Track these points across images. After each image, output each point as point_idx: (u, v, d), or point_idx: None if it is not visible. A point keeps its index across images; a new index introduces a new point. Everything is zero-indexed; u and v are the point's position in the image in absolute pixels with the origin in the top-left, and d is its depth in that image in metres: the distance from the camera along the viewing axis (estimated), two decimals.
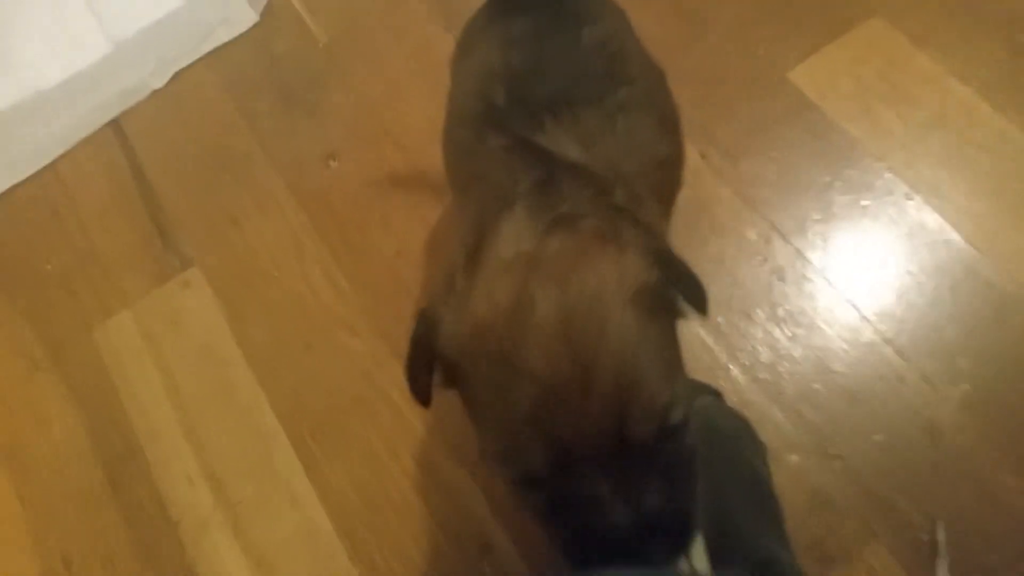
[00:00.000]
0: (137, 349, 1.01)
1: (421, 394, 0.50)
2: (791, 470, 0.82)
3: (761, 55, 1.03)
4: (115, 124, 1.18)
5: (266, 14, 1.22)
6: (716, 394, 0.80)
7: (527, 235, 0.47)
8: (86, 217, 1.12)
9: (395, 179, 1.05)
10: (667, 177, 0.70)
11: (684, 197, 0.95)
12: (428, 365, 0.48)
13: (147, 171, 1.13)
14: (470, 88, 0.69)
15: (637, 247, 0.46)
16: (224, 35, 1.20)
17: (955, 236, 0.89)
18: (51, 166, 1.17)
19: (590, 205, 0.52)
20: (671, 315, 0.47)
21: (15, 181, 1.16)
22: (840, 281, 0.89)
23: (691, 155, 0.97)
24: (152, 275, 1.05)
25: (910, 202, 0.92)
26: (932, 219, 0.91)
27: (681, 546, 0.43)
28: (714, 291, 0.50)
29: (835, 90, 0.99)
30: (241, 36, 1.21)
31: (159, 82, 1.19)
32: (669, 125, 0.74)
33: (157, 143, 1.15)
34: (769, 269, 0.91)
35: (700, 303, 0.48)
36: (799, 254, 0.91)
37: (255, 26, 1.21)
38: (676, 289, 0.47)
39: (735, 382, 0.86)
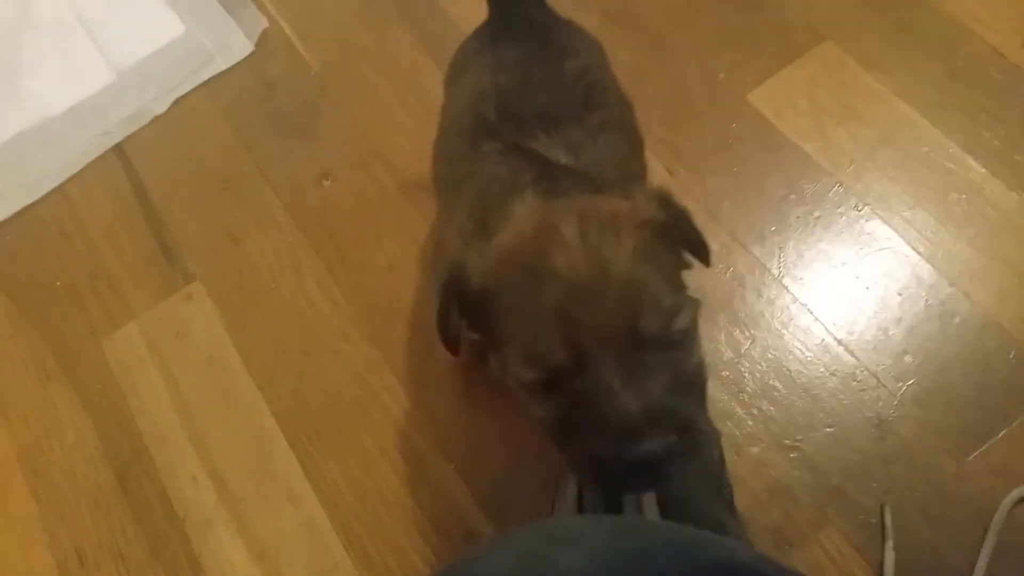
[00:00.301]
0: (143, 359, 1.07)
1: (451, 341, 0.57)
2: (752, 461, 0.89)
3: (722, 79, 1.10)
4: (119, 148, 1.25)
5: (261, 43, 1.29)
6: None
7: (542, 204, 0.54)
8: (93, 236, 1.18)
9: (385, 197, 1.12)
10: None
11: None
12: (457, 311, 0.55)
13: (150, 192, 1.20)
14: (463, 105, 0.78)
15: (647, 196, 0.53)
16: (222, 63, 1.28)
17: (901, 244, 0.97)
18: (59, 188, 1.24)
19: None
20: (675, 253, 0.53)
21: (26, 203, 1.23)
22: (796, 287, 0.96)
23: (658, 171, 1.05)
24: (156, 289, 1.12)
25: (859, 213, 0.99)
26: (880, 228, 0.98)
27: (686, 441, 0.46)
28: None
29: (791, 110, 1.07)
30: (238, 64, 1.28)
31: (160, 108, 1.26)
32: (638, 145, 0.83)
33: (159, 166, 1.22)
34: (731, 276, 0.98)
35: (703, 252, 0.56)
36: (758, 262, 0.98)
37: (251, 54, 1.28)
38: (681, 235, 0.54)
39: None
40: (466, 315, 0.56)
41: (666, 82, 1.12)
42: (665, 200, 0.54)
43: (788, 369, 0.93)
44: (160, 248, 1.15)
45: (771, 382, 0.92)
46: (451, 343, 0.57)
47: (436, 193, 0.87)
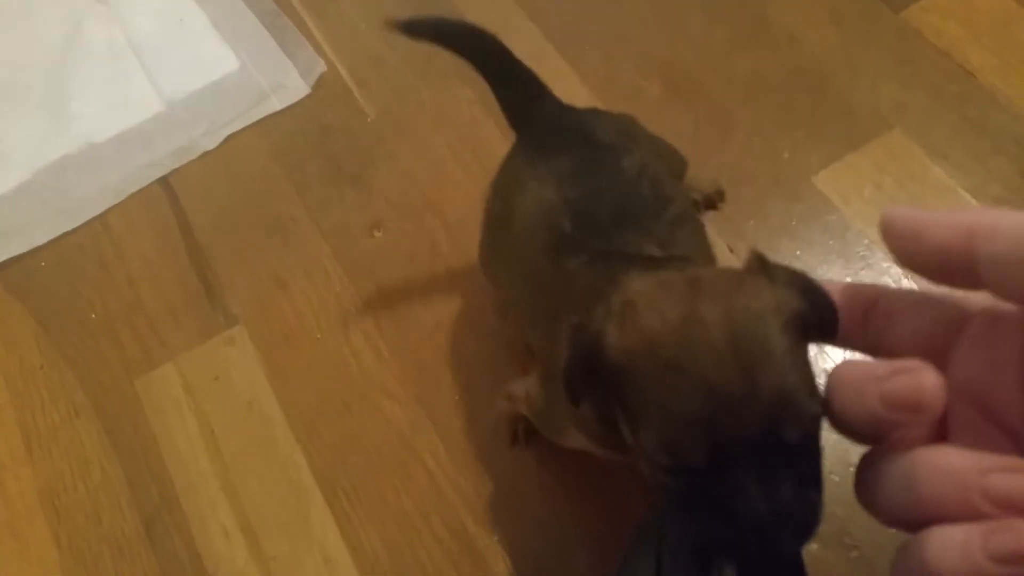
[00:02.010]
0: (178, 401, 1.04)
1: (576, 393, 0.55)
2: (811, 558, 0.86)
3: (787, 159, 1.10)
4: (165, 181, 1.23)
5: (317, 86, 1.28)
6: None
7: (679, 280, 0.52)
8: (133, 269, 1.16)
9: (436, 252, 1.10)
10: None
11: None
12: (585, 369, 0.53)
13: (195, 229, 1.18)
14: (533, 223, 0.76)
15: (784, 278, 0.51)
16: (276, 103, 1.26)
17: None
18: (100, 217, 1.21)
19: None
20: (808, 341, 0.52)
21: (65, 229, 1.20)
22: None
23: (720, 247, 1.04)
24: (197, 330, 1.09)
25: None
26: None
27: (807, 531, 0.47)
28: None
29: (856, 196, 1.06)
30: (292, 106, 1.26)
31: (210, 144, 1.25)
32: (704, 228, 0.81)
33: (206, 202, 1.20)
34: None
35: (833, 331, 0.54)
36: (820, 350, 0.97)
37: (306, 97, 1.27)
38: (818, 318, 0.51)
39: None
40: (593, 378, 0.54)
41: (729, 157, 1.11)
42: (804, 285, 0.50)
43: (850, 463, 0.90)
44: (203, 287, 1.12)
45: (832, 477, 0.89)
46: (574, 395, 0.56)
47: (521, 320, 0.87)
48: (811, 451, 0.48)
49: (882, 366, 0.33)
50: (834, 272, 1.01)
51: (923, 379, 0.31)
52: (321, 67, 1.28)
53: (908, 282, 0.99)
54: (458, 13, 1.31)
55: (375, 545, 0.93)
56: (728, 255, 1.03)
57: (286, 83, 1.28)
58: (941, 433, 0.33)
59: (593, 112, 0.90)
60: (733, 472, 0.46)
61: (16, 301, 1.15)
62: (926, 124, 1.09)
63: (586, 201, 0.72)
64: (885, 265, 1.01)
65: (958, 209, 0.34)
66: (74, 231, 1.21)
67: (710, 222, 1.06)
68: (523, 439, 0.94)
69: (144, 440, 1.02)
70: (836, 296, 0.40)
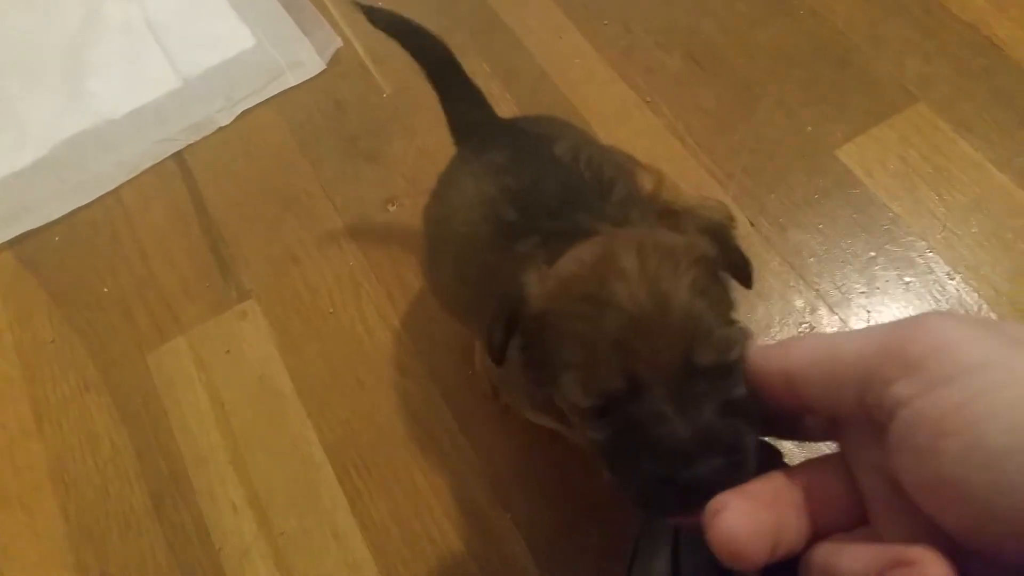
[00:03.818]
0: (189, 375, 1.03)
1: (497, 351, 0.58)
2: None
3: (810, 132, 1.07)
4: (179, 156, 1.22)
5: (333, 62, 1.27)
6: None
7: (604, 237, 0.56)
8: (146, 244, 1.15)
9: None
10: None
11: None
12: (508, 326, 0.56)
13: (209, 204, 1.17)
14: (474, 218, 0.75)
15: (696, 227, 0.56)
16: (292, 79, 1.25)
17: (994, 317, 0.92)
18: (114, 192, 1.21)
19: None
20: (725, 287, 0.55)
21: (78, 204, 1.20)
22: None
23: (742, 221, 1.01)
24: (209, 304, 1.08)
25: (951, 281, 0.95)
26: (972, 299, 0.94)
27: (735, 463, 0.47)
28: None
29: (880, 169, 1.03)
30: (308, 81, 1.25)
31: (225, 119, 1.24)
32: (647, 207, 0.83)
33: (220, 178, 1.19)
34: None
35: (747, 278, 0.58)
36: (844, 324, 0.94)
37: (322, 73, 1.26)
38: (729, 264, 0.56)
39: (781, 443, 0.88)
40: (522, 336, 0.57)
41: (751, 131, 1.08)
42: (716, 234, 0.56)
43: None
44: (215, 262, 1.11)
45: None
46: (495, 353, 0.59)
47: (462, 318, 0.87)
48: (731, 380, 0.49)
49: (882, 555, 0.30)
50: (858, 246, 0.98)
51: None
52: (337, 43, 1.27)
53: (933, 255, 0.96)
54: None
55: (385, 521, 0.91)
56: (750, 229, 1.01)
57: (302, 59, 1.27)
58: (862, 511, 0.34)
59: (523, 117, 0.96)
60: (652, 398, 0.47)
61: (30, 274, 1.15)
62: (952, 97, 1.06)
63: (527, 188, 0.72)
64: (910, 239, 0.98)
65: (775, 344, 0.38)
66: (88, 206, 1.20)
67: (731, 196, 1.04)
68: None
69: (154, 414, 1.01)
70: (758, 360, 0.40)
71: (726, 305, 0.53)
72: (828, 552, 0.33)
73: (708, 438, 0.46)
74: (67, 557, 0.94)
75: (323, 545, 0.90)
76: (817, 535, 0.34)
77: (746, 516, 0.31)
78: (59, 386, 1.05)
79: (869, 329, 0.33)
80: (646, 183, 0.95)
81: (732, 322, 0.51)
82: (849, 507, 0.34)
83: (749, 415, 0.48)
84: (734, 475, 0.46)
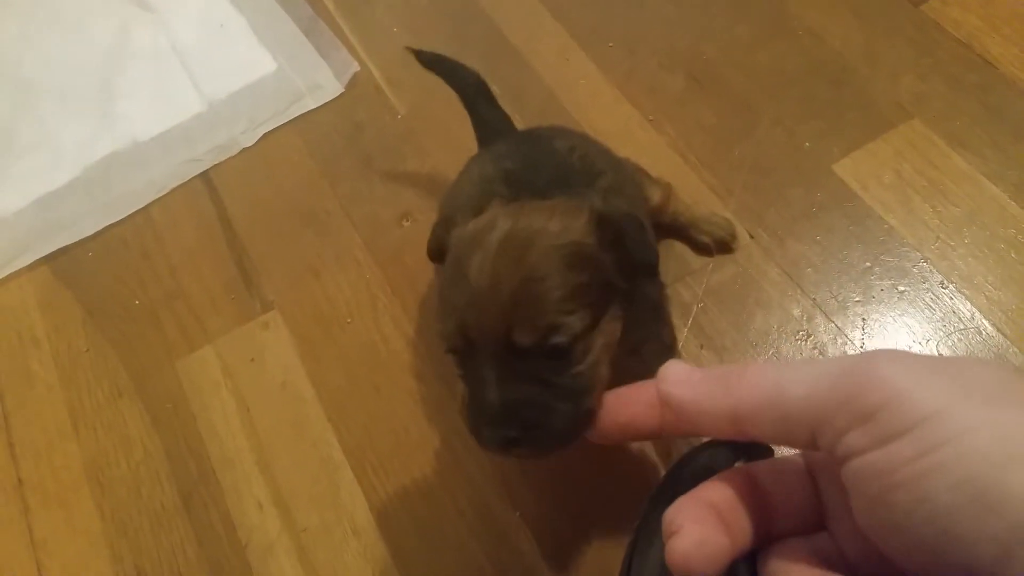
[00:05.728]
0: (216, 382, 1.08)
1: (431, 250, 0.67)
2: None
3: (808, 148, 1.11)
4: (206, 176, 1.29)
5: (350, 85, 1.33)
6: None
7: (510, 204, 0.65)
8: (174, 258, 1.21)
9: None
10: None
11: (734, 274, 1.03)
12: (439, 243, 0.65)
13: (234, 221, 1.23)
14: (472, 192, 0.83)
15: (592, 213, 0.60)
16: (311, 102, 1.31)
17: (986, 325, 0.96)
18: (144, 210, 1.27)
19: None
20: (595, 272, 0.59)
21: (110, 221, 1.26)
22: None
23: (741, 234, 1.06)
24: (234, 315, 1.13)
25: (944, 290, 0.99)
26: (965, 307, 0.97)
27: (530, 439, 0.56)
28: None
29: (876, 183, 1.07)
30: (327, 104, 1.32)
31: (249, 141, 1.30)
32: (639, 204, 0.91)
33: (244, 196, 1.25)
34: (811, 344, 0.98)
35: (643, 265, 0.63)
36: (840, 332, 0.98)
37: (340, 96, 1.32)
38: (620, 248, 0.60)
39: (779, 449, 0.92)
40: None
41: (751, 148, 1.13)
42: (608, 223, 0.60)
43: None
44: (240, 275, 1.17)
45: None
46: (432, 258, 0.68)
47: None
48: (560, 362, 0.56)
49: None
50: (855, 256, 1.02)
51: None
52: (354, 67, 1.33)
53: (927, 265, 1.00)
54: (486, 15, 1.36)
55: (402, 519, 0.96)
56: (749, 240, 1.05)
57: (321, 83, 1.33)
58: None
59: (541, 126, 1.02)
60: (479, 363, 0.56)
61: (65, 288, 1.21)
62: (946, 113, 1.10)
63: (521, 170, 0.80)
64: (904, 250, 1.02)
65: (716, 380, 0.36)
66: (119, 223, 1.26)
67: (731, 210, 1.08)
68: None
69: (183, 419, 1.07)
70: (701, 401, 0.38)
71: (582, 298, 0.57)
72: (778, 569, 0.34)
73: (511, 411, 0.55)
74: (103, 551, 0.99)
75: (343, 540, 0.95)
76: (779, 534, 0.35)
77: (697, 543, 0.32)
78: (94, 393, 1.11)
79: (816, 367, 0.32)
80: (655, 195, 1.00)
81: (572, 311, 0.57)
82: (811, 511, 0.36)
83: (578, 394, 0.56)
84: (526, 449, 0.57)
